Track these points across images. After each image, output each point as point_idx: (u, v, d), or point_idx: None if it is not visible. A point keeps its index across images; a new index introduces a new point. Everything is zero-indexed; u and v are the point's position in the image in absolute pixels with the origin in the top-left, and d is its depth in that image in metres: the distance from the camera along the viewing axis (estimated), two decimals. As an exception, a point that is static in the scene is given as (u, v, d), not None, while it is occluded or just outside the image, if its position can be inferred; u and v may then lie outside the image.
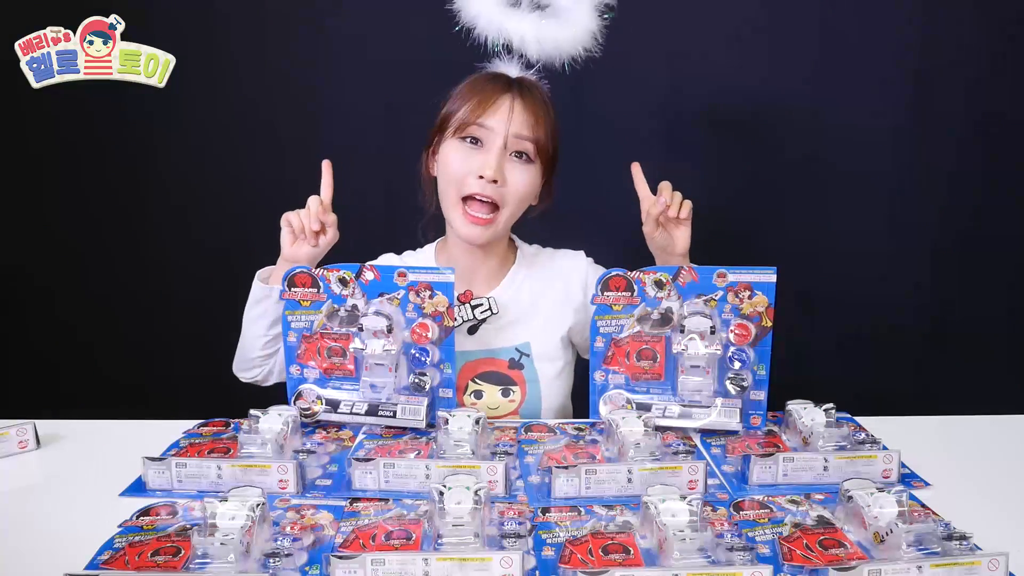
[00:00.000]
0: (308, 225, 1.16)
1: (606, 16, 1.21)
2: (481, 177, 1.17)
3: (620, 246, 1.80)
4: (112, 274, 1.94)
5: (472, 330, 1.26)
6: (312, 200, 1.18)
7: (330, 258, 1.25)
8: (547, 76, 1.25)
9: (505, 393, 1.25)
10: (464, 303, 1.23)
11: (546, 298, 1.31)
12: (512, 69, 1.23)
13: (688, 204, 1.19)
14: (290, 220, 1.17)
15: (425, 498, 0.89)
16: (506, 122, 1.17)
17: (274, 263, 1.23)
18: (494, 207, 1.20)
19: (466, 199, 1.20)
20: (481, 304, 1.24)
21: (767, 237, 1.93)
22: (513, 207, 1.22)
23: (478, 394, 1.25)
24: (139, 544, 0.80)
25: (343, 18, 1.80)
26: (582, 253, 1.37)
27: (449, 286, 1.10)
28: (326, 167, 1.21)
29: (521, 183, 1.20)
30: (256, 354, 1.25)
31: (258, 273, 1.23)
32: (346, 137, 1.85)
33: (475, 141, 1.19)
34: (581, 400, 1.30)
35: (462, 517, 0.79)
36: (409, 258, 1.35)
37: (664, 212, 1.18)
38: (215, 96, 1.82)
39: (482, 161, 1.17)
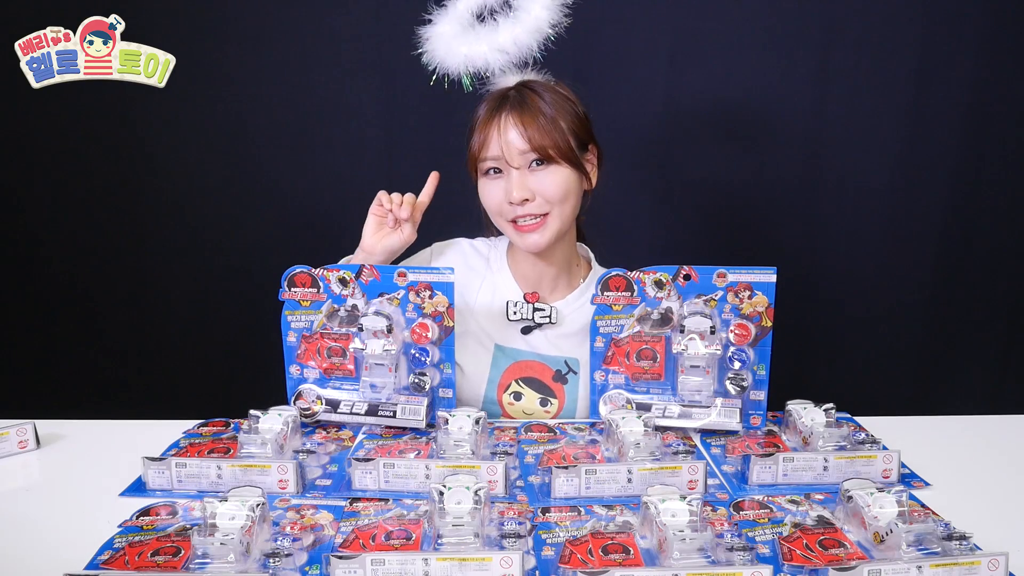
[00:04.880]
0: (397, 212, 1.20)
1: None
2: (511, 203, 1.18)
3: (620, 245, 1.80)
4: (111, 274, 1.94)
5: (526, 330, 1.26)
6: (406, 196, 1.23)
7: (335, 257, 1.25)
8: (543, 66, 1.23)
9: (543, 403, 1.25)
10: (529, 303, 1.24)
11: None
12: (511, 79, 1.22)
13: None
14: (381, 202, 1.22)
15: (425, 498, 0.89)
16: (508, 146, 1.16)
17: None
18: (538, 215, 1.20)
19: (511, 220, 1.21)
20: (543, 310, 1.24)
21: (767, 237, 1.93)
22: (559, 207, 1.20)
23: (517, 396, 1.25)
24: (139, 544, 0.80)
25: (343, 18, 1.80)
26: None
27: (449, 286, 1.10)
28: (432, 178, 1.26)
29: (551, 187, 1.18)
30: None
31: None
32: (346, 137, 1.85)
33: (496, 171, 1.20)
34: (581, 400, 1.30)
35: (462, 517, 0.79)
36: (480, 244, 1.35)
37: None
38: (215, 96, 1.82)
39: (506, 189, 1.18)
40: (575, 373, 1.26)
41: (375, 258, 1.22)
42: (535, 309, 1.24)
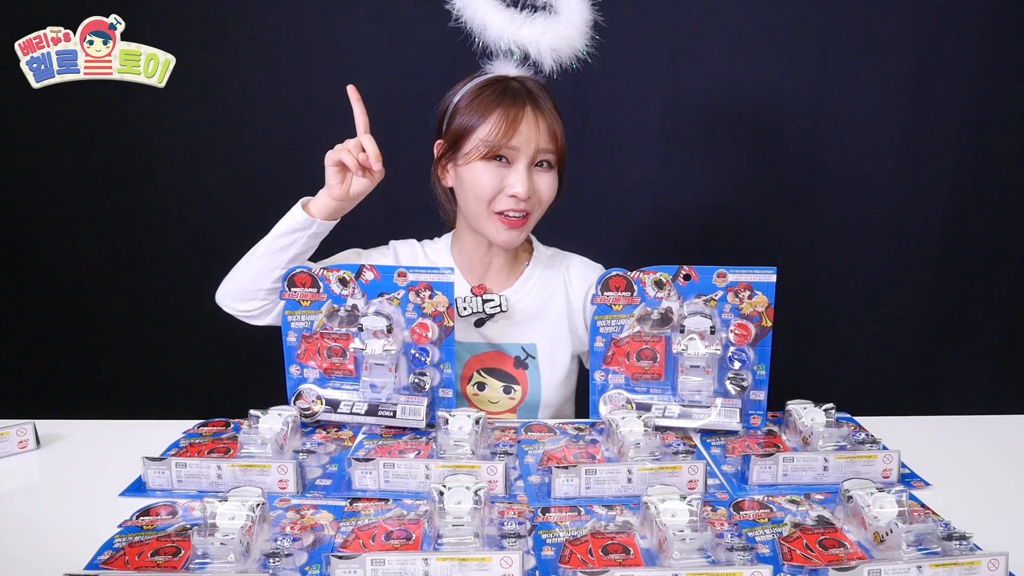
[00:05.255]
0: (367, 159, 1.14)
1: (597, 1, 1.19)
2: (513, 195, 1.17)
3: (620, 245, 1.81)
4: (111, 274, 1.94)
5: (479, 323, 1.27)
6: (364, 139, 1.16)
7: (331, 252, 1.25)
8: (552, 71, 1.22)
9: (507, 390, 1.26)
10: (476, 296, 1.25)
11: (555, 302, 1.31)
12: (510, 68, 1.22)
13: None
14: (343, 159, 1.14)
15: (425, 498, 0.89)
16: (534, 140, 1.17)
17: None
18: (525, 213, 1.21)
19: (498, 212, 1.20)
20: (492, 300, 1.25)
21: (767, 236, 1.93)
22: (539, 211, 1.23)
23: (481, 386, 1.26)
24: (139, 544, 0.80)
25: (343, 18, 1.79)
26: (599, 266, 1.35)
27: (449, 286, 1.10)
28: (352, 92, 1.18)
29: (547, 190, 1.21)
30: (268, 286, 1.20)
31: (300, 201, 1.20)
32: (346, 137, 1.84)
33: (500, 158, 1.18)
34: (581, 400, 1.30)
35: (462, 517, 0.79)
36: (428, 246, 1.35)
37: None
38: (215, 96, 1.82)
39: (512, 180, 1.17)
40: (533, 358, 1.27)
41: (350, 204, 1.19)
42: (484, 301, 1.25)
